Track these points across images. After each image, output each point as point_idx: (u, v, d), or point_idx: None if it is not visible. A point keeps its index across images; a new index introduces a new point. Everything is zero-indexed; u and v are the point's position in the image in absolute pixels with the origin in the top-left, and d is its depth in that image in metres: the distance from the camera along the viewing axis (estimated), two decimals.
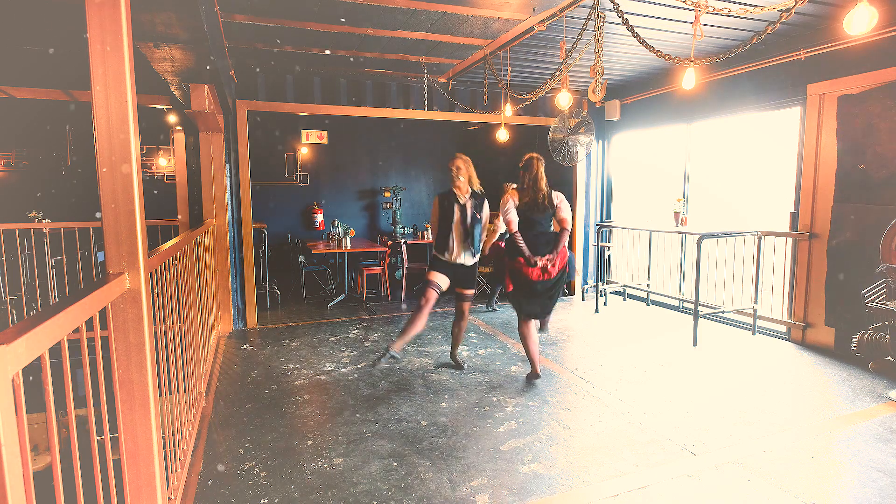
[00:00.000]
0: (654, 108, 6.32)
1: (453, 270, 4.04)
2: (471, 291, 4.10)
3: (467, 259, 4.03)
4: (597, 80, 3.57)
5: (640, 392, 3.72)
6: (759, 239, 5.03)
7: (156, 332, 1.90)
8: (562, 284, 3.93)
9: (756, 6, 3.26)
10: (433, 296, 3.99)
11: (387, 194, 8.61)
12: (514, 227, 3.81)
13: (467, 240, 3.96)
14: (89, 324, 1.41)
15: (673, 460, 2.79)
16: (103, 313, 1.55)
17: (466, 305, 4.12)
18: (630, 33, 3.05)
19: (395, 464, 2.77)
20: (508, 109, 5.24)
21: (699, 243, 4.72)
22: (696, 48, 4.90)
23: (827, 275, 4.51)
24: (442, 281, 4.02)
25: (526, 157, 4.16)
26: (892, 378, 3.91)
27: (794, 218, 4.80)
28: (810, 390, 3.73)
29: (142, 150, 7.07)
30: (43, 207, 6.43)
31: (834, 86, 4.35)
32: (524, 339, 3.95)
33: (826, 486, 2.53)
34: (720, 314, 5.35)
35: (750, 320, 5.16)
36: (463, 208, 3.94)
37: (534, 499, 2.46)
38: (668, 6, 3.75)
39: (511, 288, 3.93)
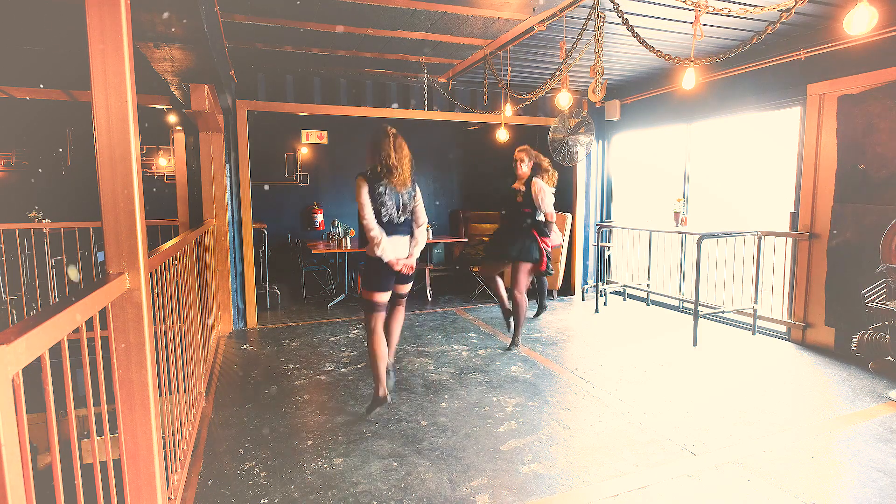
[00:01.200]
0: (654, 108, 6.32)
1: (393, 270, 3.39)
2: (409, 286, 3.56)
3: None
4: (597, 80, 3.57)
5: (640, 392, 3.72)
6: (759, 239, 5.03)
7: (156, 332, 1.90)
8: None
9: (756, 6, 3.26)
10: (382, 316, 3.41)
11: None
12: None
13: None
14: (89, 324, 1.41)
15: (673, 460, 2.79)
16: (103, 313, 1.55)
17: (405, 301, 3.58)
18: (630, 33, 3.05)
19: (395, 464, 2.77)
20: (508, 109, 5.24)
21: (699, 243, 4.72)
22: (696, 48, 4.90)
23: (827, 275, 4.51)
24: (386, 297, 3.41)
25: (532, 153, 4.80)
26: (892, 378, 3.91)
27: (794, 218, 4.80)
28: (810, 390, 3.73)
29: (142, 150, 7.07)
30: (43, 207, 6.44)
31: (834, 86, 4.35)
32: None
33: (826, 486, 2.53)
34: (720, 314, 5.35)
35: (750, 320, 5.16)
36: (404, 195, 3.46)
37: (534, 499, 2.46)
38: (668, 6, 3.75)
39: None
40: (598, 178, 7.19)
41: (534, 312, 5.94)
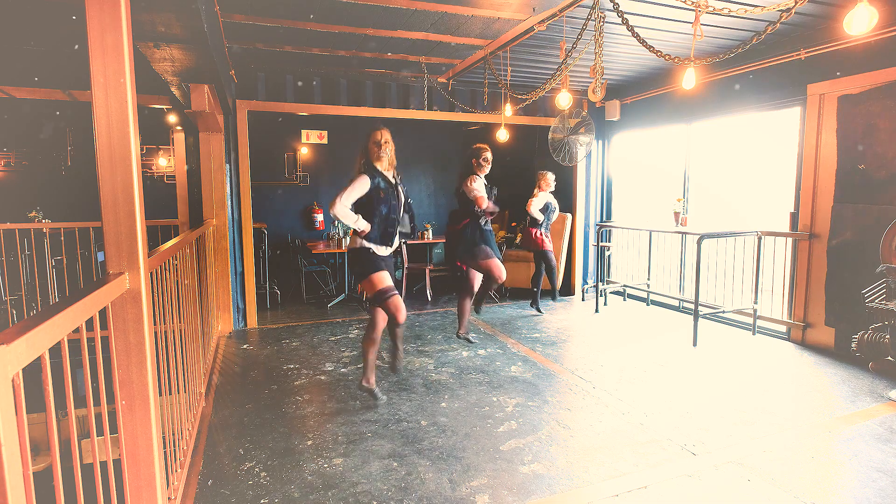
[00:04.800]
0: (654, 108, 6.32)
1: (388, 264, 3.41)
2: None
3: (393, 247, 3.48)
4: (597, 80, 3.57)
5: (640, 392, 3.72)
6: (759, 239, 5.03)
7: (156, 332, 1.90)
8: None
9: (756, 6, 3.26)
10: (398, 299, 3.30)
11: None
12: None
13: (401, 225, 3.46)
14: (89, 324, 1.41)
15: (673, 460, 2.79)
16: (103, 313, 1.55)
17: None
18: (630, 33, 3.05)
19: (395, 464, 2.77)
20: (508, 109, 5.24)
21: (699, 243, 4.72)
22: (696, 48, 4.90)
23: (827, 275, 4.51)
24: (390, 279, 3.34)
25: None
26: (892, 378, 3.91)
27: (794, 218, 4.80)
28: (810, 390, 3.73)
29: (142, 150, 7.07)
30: (43, 207, 6.44)
31: (834, 86, 4.35)
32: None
33: (826, 486, 2.53)
34: (720, 314, 5.35)
35: (750, 320, 5.16)
36: (396, 188, 3.41)
37: (534, 499, 2.46)
38: (668, 6, 3.75)
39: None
40: (598, 178, 7.19)
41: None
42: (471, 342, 4.72)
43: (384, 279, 3.27)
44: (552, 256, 6.08)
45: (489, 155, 4.50)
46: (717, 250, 5.70)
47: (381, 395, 3.58)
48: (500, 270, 4.37)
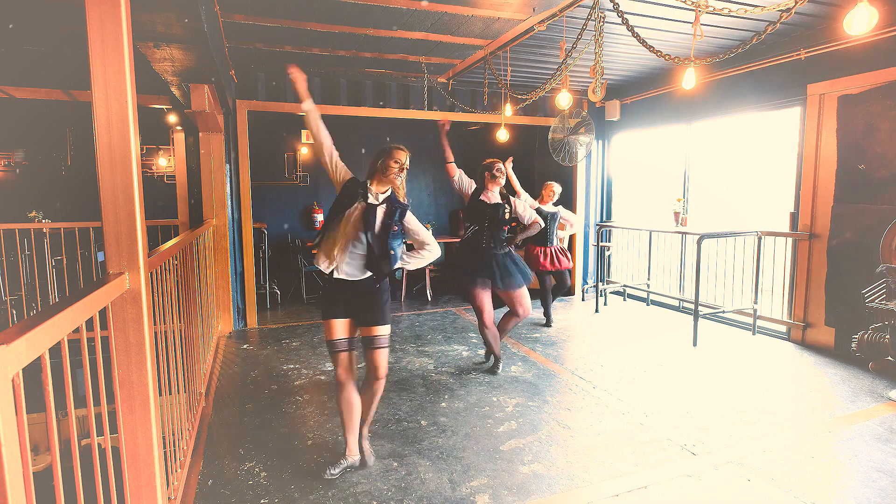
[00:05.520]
0: (654, 108, 6.32)
1: (348, 296, 2.64)
2: (384, 330, 2.67)
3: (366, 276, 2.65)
4: (597, 80, 3.57)
5: (640, 392, 3.72)
6: (759, 239, 5.03)
7: (156, 332, 1.90)
8: None
9: (756, 6, 3.26)
10: (345, 358, 2.67)
11: None
12: None
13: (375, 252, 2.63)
14: (89, 324, 1.41)
15: (673, 460, 2.79)
16: (103, 313, 1.55)
17: (379, 355, 2.67)
18: (630, 33, 3.05)
19: (395, 464, 2.77)
20: (508, 109, 5.24)
21: (699, 243, 4.72)
22: (696, 48, 4.90)
23: (827, 275, 4.51)
24: (342, 330, 2.66)
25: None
26: (892, 378, 3.91)
27: (794, 218, 4.80)
28: (810, 390, 3.73)
29: (142, 150, 7.07)
30: (43, 207, 6.44)
31: (834, 86, 4.35)
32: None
33: (826, 486, 2.53)
34: (720, 314, 5.35)
35: (750, 320, 5.16)
36: (370, 209, 2.67)
37: (534, 499, 2.46)
38: (668, 6, 3.75)
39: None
40: (598, 178, 7.19)
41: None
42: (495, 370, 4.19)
43: (334, 329, 2.65)
44: (548, 281, 5.49)
45: (502, 165, 4.06)
46: (717, 250, 5.70)
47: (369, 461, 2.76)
48: (489, 310, 3.92)
